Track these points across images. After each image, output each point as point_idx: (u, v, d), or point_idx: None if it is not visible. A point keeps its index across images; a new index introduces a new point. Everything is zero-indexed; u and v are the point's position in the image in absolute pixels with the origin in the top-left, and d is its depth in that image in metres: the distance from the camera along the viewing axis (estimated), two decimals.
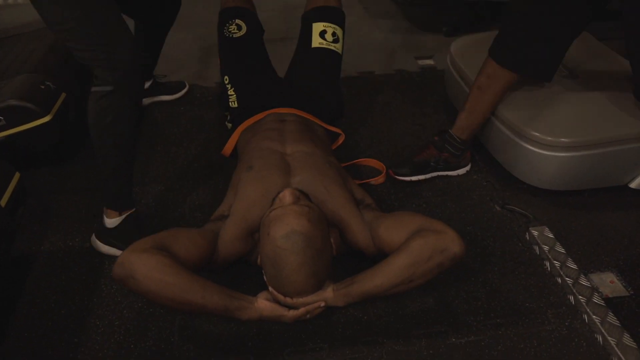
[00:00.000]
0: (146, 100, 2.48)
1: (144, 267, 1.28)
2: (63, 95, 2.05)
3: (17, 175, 1.68)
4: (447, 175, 2.06)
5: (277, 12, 3.34)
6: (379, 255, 1.49)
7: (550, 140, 1.82)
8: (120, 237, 1.70)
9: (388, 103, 2.54)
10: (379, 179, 2.01)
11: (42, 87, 1.98)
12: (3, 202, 1.55)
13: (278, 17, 3.28)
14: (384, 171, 2.03)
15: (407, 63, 2.90)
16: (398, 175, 2.02)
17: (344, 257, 1.58)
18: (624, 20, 1.69)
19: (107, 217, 1.72)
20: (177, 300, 1.30)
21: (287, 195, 1.42)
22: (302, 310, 1.41)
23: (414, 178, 2.02)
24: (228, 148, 1.98)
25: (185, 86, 2.61)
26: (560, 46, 1.83)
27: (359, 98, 2.56)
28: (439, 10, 3.31)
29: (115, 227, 1.72)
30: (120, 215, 1.72)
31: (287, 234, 1.33)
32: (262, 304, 1.40)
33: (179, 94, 2.58)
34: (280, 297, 1.41)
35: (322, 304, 1.42)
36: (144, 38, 2.19)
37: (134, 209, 1.75)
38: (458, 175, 2.07)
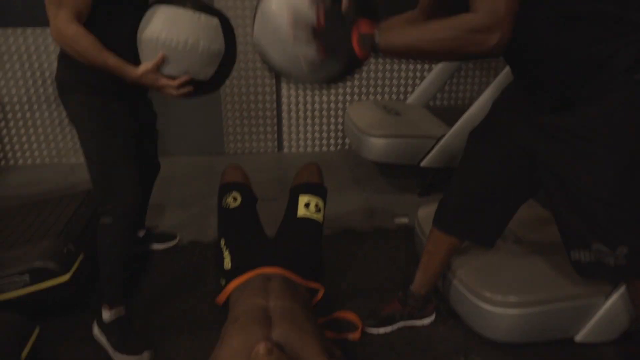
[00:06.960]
0: (139, 249, 2.82)
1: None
2: (81, 255, 2.39)
3: (37, 329, 1.96)
4: (414, 326, 2.31)
5: (272, 181, 3.85)
6: None
7: (499, 298, 2.10)
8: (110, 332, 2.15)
9: (366, 259, 2.86)
10: (355, 336, 2.26)
11: (65, 250, 2.32)
12: (23, 356, 1.81)
13: (272, 183, 3.78)
14: (360, 327, 2.28)
15: (385, 221, 3.29)
16: (367, 327, 2.28)
17: None
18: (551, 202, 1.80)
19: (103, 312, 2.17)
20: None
21: (260, 348, 1.67)
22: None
23: (381, 330, 2.27)
24: (221, 299, 2.26)
25: (176, 237, 2.98)
26: (502, 216, 2.04)
27: (341, 254, 2.89)
28: (414, 174, 3.76)
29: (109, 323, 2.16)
30: (110, 310, 2.16)
31: None
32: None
33: (170, 243, 2.94)
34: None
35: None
36: None
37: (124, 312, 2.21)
38: (425, 327, 2.32)
